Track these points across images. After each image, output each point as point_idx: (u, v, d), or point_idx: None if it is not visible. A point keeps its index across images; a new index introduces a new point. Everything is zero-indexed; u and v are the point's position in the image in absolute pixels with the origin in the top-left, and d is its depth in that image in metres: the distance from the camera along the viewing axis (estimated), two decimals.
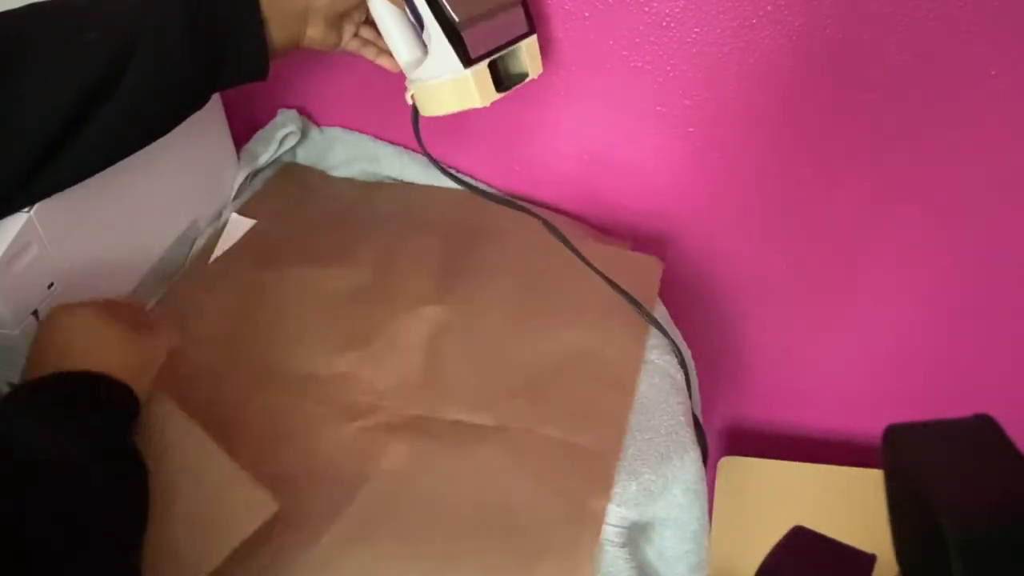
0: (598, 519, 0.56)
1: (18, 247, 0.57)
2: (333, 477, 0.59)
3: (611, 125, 0.80)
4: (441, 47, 0.62)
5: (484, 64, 0.63)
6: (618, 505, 0.58)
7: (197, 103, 0.61)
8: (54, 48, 0.52)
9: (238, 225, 0.80)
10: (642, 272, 0.75)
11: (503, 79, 0.67)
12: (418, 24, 0.63)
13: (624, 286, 0.70)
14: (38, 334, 0.52)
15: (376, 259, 0.76)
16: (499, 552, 0.54)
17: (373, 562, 0.55)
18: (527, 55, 0.67)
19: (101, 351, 0.51)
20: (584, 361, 0.66)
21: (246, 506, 0.52)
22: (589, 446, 0.60)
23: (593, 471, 0.59)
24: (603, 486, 0.58)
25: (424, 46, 0.64)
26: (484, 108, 0.64)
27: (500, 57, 0.65)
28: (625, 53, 0.75)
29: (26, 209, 0.57)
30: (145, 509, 0.49)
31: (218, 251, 0.78)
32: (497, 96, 0.64)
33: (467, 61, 0.61)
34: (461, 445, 0.61)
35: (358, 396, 0.65)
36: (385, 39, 0.65)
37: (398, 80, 0.67)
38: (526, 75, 0.68)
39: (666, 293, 0.80)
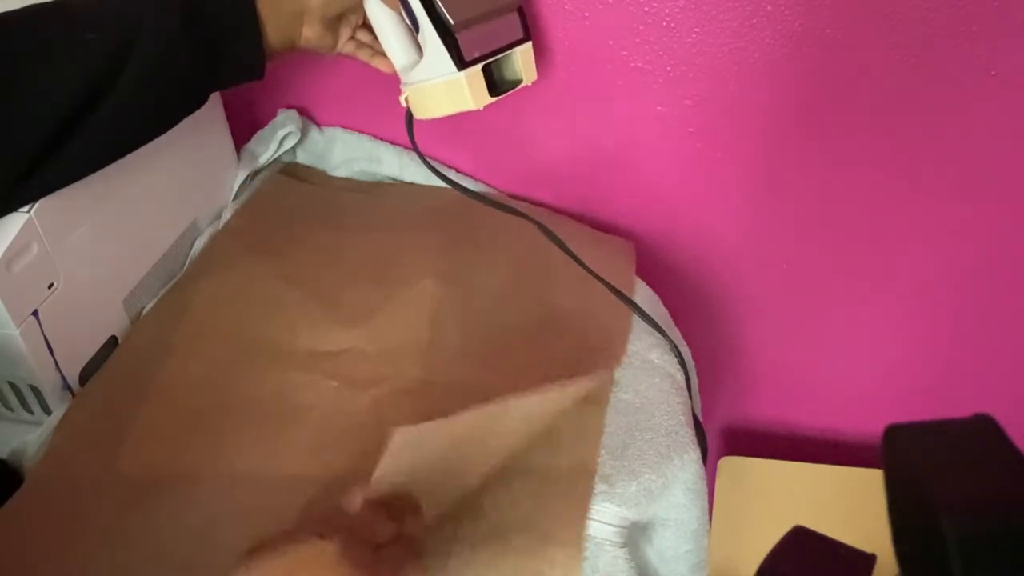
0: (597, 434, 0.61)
1: (18, 247, 0.57)
2: (355, 442, 0.61)
3: (611, 125, 0.80)
4: (435, 49, 0.62)
5: (478, 67, 0.63)
6: (618, 505, 0.58)
7: (195, 103, 0.61)
8: (53, 48, 0.52)
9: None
10: (620, 253, 0.81)
11: (497, 84, 0.67)
12: (413, 26, 0.63)
13: (606, 266, 0.74)
14: None
15: (374, 251, 0.77)
16: (529, 473, 0.58)
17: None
18: (521, 61, 0.68)
19: None
20: (576, 321, 0.71)
21: None
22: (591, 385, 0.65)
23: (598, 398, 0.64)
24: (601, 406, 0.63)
25: (419, 49, 0.64)
26: (486, 108, 0.64)
27: (495, 63, 0.65)
28: (625, 53, 0.75)
29: (26, 209, 0.57)
30: None
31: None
32: (490, 100, 0.64)
33: (461, 63, 0.62)
34: (475, 400, 0.63)
35: (367, 367, 0.66)
36: (381, 42, 0.65)
37: (398, 80, 0.67)
38: (520, 81, 0.68)
39: (666, 293, 0.80)
